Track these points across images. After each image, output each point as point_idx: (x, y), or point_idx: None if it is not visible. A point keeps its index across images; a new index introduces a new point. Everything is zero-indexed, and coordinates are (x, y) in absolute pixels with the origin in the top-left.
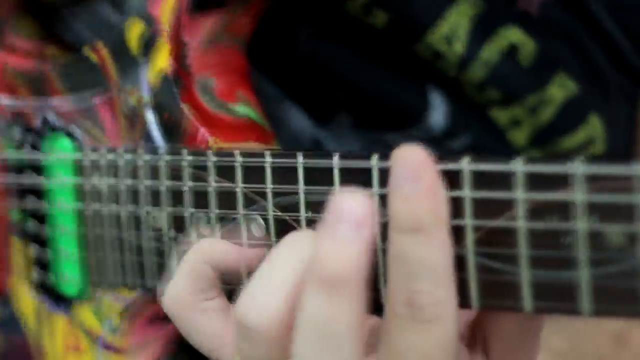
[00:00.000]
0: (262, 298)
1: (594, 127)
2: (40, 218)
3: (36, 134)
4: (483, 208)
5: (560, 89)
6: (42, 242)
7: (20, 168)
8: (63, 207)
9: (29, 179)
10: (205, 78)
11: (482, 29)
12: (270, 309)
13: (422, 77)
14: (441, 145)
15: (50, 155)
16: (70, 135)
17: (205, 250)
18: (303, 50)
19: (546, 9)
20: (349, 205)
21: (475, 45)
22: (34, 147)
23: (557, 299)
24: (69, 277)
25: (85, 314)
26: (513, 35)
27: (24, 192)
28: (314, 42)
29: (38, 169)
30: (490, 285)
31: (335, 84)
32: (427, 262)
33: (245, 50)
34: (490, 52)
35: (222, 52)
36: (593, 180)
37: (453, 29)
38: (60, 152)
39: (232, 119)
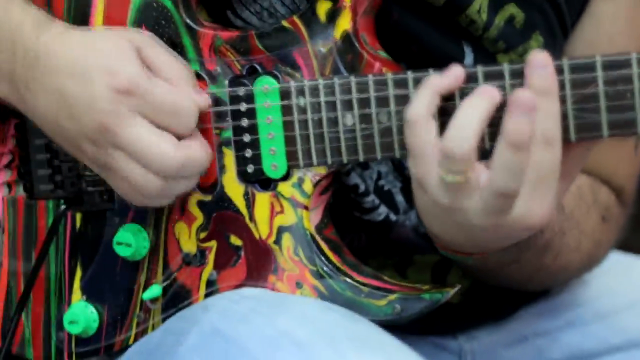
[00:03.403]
0: (464, 133)
1: None
2: (253, 131)
3: (246, 77)
4: (577, 84)
5: (535, 42)
6: (255, 146)
7: (237, 100)
8: (273, 120)
9: (244, 106)
10: (363, 34)
11: (495, 5)
12: (470, 141)
13: (460, 36)
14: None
15: (262, 88)
16: (273, 75)
17: (436, 83)
18: (394, 19)
19: None
20: (525, 97)
21: (492, 15)
22: (246, 85)
23: (624, 128)
24: (277, 166)
25: (288, 189)
26: (512, 9)
27: (241, 116)
28: (400, 14)
29: (250, 99)
30: (582, 125)
31: (408, 40)
32: (552, 113)
33: (374, 17)
34: (499, 19)
35: (367, 18)
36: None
37: (481, 5)
38: (268, 85)
39: (384, 58)
